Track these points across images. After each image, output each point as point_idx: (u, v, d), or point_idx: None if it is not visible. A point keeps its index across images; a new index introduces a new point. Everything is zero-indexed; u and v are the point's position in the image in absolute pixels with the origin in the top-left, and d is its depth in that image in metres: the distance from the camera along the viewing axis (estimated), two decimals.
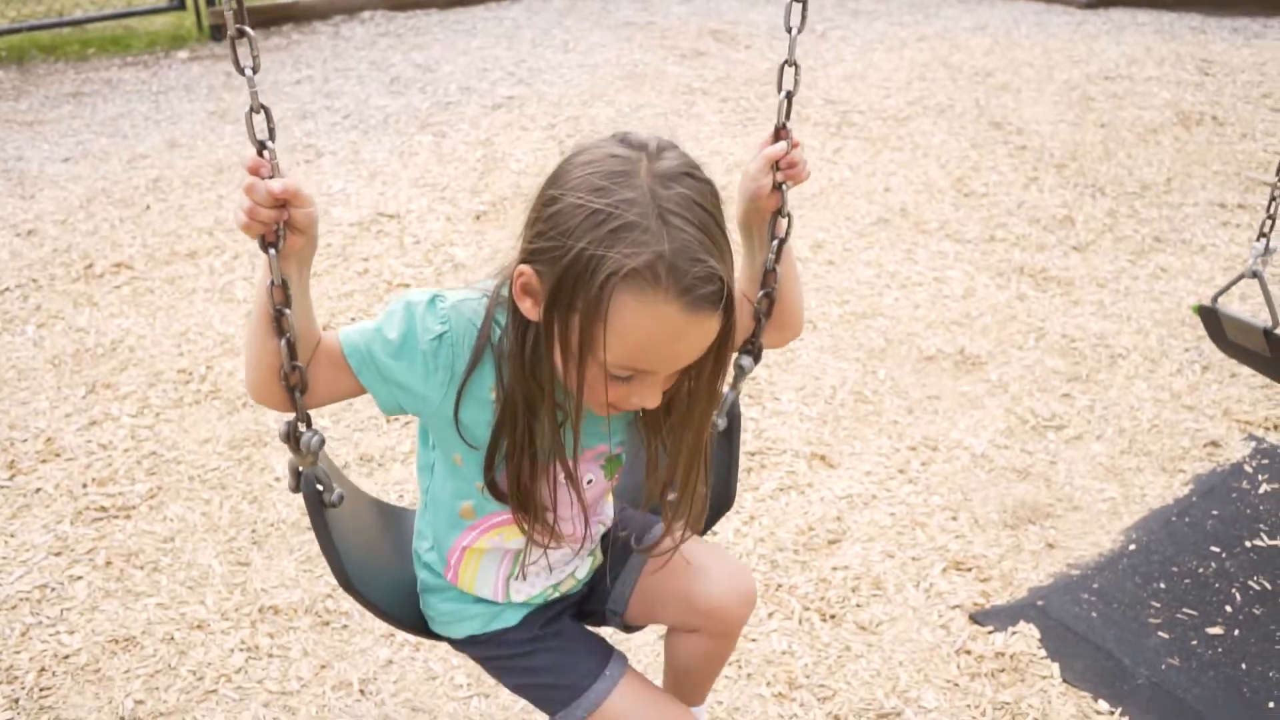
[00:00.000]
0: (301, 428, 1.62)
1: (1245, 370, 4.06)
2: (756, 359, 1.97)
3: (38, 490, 3.40)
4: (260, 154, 1.44)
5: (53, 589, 3.02)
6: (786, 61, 1.77)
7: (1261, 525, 3.32)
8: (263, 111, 1.43)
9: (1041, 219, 5.30)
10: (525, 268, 1.48)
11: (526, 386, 1.55)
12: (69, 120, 6.70)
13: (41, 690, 2.71)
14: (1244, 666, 2.80)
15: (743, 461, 3.50)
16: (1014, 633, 2.90)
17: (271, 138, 1.45)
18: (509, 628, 1.87)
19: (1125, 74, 7.12)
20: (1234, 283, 3.21)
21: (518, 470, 1.62)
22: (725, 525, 3.24)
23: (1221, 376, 4.06)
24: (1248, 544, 3.24)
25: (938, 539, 3.24)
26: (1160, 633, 2.91)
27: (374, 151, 5.97)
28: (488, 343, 1.57)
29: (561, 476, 1.65)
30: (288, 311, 1.51)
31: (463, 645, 1.92)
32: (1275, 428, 3.78)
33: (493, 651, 1.90)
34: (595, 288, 1.38)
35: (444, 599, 1.89)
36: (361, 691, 2.71)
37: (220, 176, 5.66)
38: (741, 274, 1.88)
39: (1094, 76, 7.06)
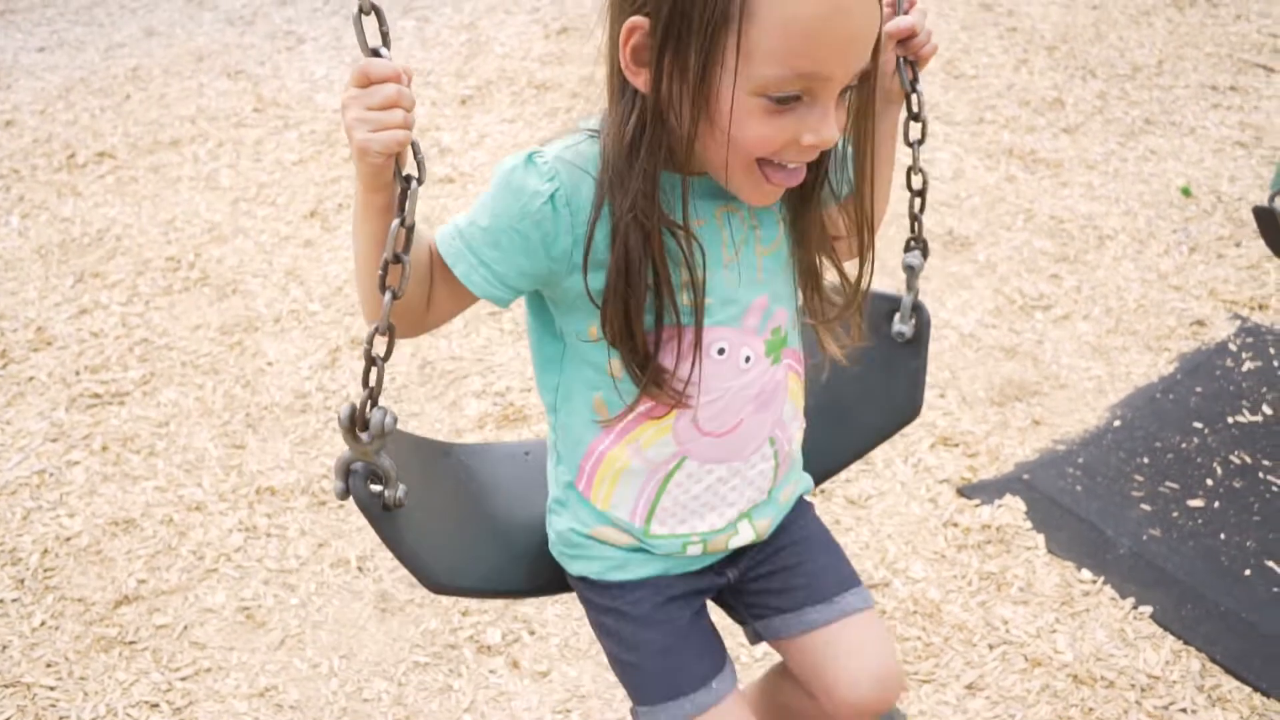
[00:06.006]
0: (371, 409, 1.29)
1: (1232, 251, 4.08)
2: (925, 254, 1.76)
3: (30, 378, 3.41)
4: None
5: (51, 474, 3.05)
6: None
7: (1244, 402, 3.36)
8: (374, 12, 1.14)
9: (1031, 101, 5.25)
10: (633, 20, 1.20)
11: (634, 205, 1.26)
12: (42, 9, 6.54)
13: (46, 571, 2.76)
14: (1223, 537, 2.87)
15: None
16: (1000, 505, 2.96)
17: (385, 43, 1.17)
18: (630, 581, 1.54)
19: None
20: None
21: (632, 317, 1.32)
22: None
23: (1208, 257, 4.08)
24: (1230, 420, 3.29)
25: (926, 415, 3.27)
26: (1142, 505, 2.97)
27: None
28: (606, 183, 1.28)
29: (686, 336, 1.35)
30: (406, 258, 1.24)
31: (578, 586, 1.61)
32: (1260, 307, 3.81)
33: (604, 602, 1.56)
34: None
35: (569, 517, 1.55)
36: (359, 568, 2.76)
37: (200, 65, 5.56)
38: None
39: None
